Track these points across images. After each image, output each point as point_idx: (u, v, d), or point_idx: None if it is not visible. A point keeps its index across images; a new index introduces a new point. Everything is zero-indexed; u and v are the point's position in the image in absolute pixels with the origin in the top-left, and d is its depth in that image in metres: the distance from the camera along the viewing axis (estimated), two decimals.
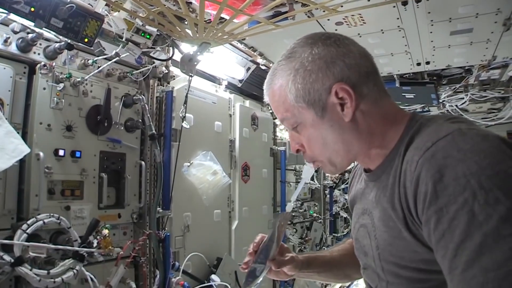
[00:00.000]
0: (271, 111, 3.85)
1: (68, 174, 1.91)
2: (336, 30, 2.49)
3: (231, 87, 3.31)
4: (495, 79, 3.77)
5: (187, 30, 2.05)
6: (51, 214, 1.69)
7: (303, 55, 0.95)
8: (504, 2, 2.18)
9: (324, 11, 1.93)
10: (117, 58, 1.98)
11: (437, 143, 0.78)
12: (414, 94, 3.53)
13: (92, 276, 1.83)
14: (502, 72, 3.54)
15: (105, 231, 1.85)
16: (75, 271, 1.69)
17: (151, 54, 2.22)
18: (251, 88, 3.53)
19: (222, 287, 2.49)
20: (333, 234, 5.19)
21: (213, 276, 2.50)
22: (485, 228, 0.65)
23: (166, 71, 2.44)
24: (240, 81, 3.37)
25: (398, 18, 2.34)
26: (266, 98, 1.07)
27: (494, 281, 0.62)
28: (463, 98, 4.04)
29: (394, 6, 2.17)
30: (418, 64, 3.12)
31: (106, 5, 1.84)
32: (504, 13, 2.30)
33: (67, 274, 1.66)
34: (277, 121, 4.00)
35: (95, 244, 1.81)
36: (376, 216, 0.98)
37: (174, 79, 2.51)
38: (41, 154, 1.74)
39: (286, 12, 1.96)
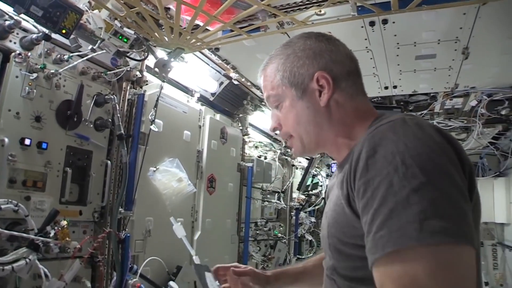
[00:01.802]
0: (240, 127, 3.97)
1: (32, 165, 1.92)
2: None
3: (203, 99, 3.40)
4: (459, 108, 4.04)
5: (164, 36, 2.15)
6: (10, 200, 1.68)
7: (297, 45, 1.10)
8: (461, 31, 2.40)
9: (294, 24, 2.07)
10: (93, 54, 2.04)
11: (380, 127, 0.89)
12: None
13: (45, 270, 1.81)
14: (465, 102, 3.80)
15: (64, 222, 1.85)
16: (27, 260, 1.66)
17: (127, 55, 2.29)
18: (223, 103, 3.63)
19: None
20: (298, 256, 5.24)
21: (171, 283, 2.50)
22: (398, 197, 0.75)
23: (140, 76, 2.50)
24: (213, 94, 3.47)
25: (366, 39, 2.52)
26: (259, 80, 1.21)
27: (396, 240, 0.73)
28: None
29: (362, 26, 2.35)
30: (386, 87, 3.32)
31: (88, 2, 1.93)
32: (462, 42, 2.52)
33: (19, 262, 1.63)
34: (246, 138, 4.11)
35: (52, 234, 1.81)
36: (331, 199, 1.08)
37: (146, 84, 2.58)
38: (6, 140, 1.75)
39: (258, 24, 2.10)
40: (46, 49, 1.95)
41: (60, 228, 1.84)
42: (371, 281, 0.79)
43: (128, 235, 2.30)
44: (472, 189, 0.84)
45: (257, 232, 4.27)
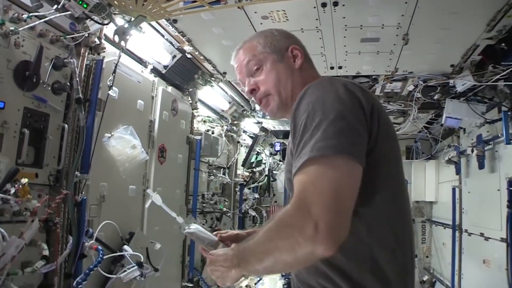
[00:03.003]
0: (190, 101, 4.12)
1: None
2: (261, 24, 2.86)
3: (155, 71, 3.51)
4: (397, 92, 4.45)
5: (128, 3, 2.25)
6: None
7: (269, 31, 1.56)
8: (403, 18, 2.71)
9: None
10: (55, 16, 2.10)
11: (309, 85, 1.27)
12: None
13: (2, 231, 1.86)
14: (403, 86, 4.20)
15: (25, 180, 1.94)
16: None
17: (92, 17, 2.34)
18: (174, 76, 3.75)
19: (134, 258, 2.64)
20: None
21: (125, 247, 2.65)
22: (307, 133, 1.13)
23: (98, 43, 2.58)
24: (165, 67, 3.58)
25: (317, 19, 2.77)
26: (233, 60, 1.59)
27: (300, 160, 1.12)
28: None
29: (315, 7, 2.58)
30: (332, 68, 3.62)
31: None
32: (403, 28, 2.85)
33: None
34: (195, 112, 4.27)
35: (12, 192, 1.90)
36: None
37: (104, 51, 2.66)
38: None
39: None
40: (3, 6, 1.98)
41: (20, 186, 1.93)
42: None
43: (85, 198, 2.41)
44: (379, 123, 1.23)
45: (204, 205, 4.48)
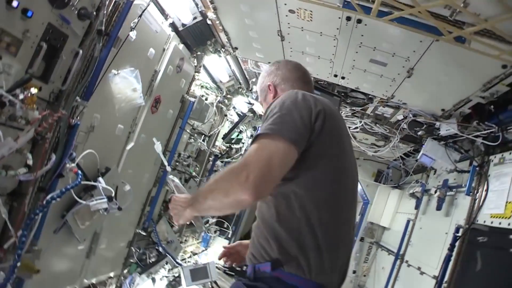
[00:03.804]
0: (195, 64, 4.27)
1: (12, 28, 2.04)
2: (286, 16, 3.04)
3: (173, 27, 3.64)
4: (387, 117, 4.71)
5: None
6: None
7: (263, 75, 2.31)
8: (413, 54, 2.94)
9: None
10: None
11: (283, 94, 1.88)
12: None
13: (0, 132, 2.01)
14: (394, 113, 4.46)
15: (35, 90, 2.09)
16: None
17: None
18: (188, 36, 3.88)
19: (106, 192, 2.81)
20: None
21: (100, 179, 2.82)
22: (269, 121, 1.64)
23: None
24: (183, 25, 3.71)
25: (337, 29, 2.97)
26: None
27: (256, 137, 1.62)
28: (356, 124, 4.92)
29: (340, 18, 2.78)
30: (335, 75, 3.83)
31: None
32: (411, 62, 3.08)
33: None
34: (197, 76, 4.42)
35: (20, 97, 2.05)
36: None
37: None
38: None
39: None
40: None
41: (29, 95, 2.08)
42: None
43: (78, 123, 2.56)
44: (323, 124, 1.68)
45: (177, 163, 4.67)
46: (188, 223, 2.09)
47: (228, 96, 5.76)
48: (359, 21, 2.80)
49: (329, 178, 1.69)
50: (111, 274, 3.82)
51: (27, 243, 2.31)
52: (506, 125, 3.36)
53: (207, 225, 6.30)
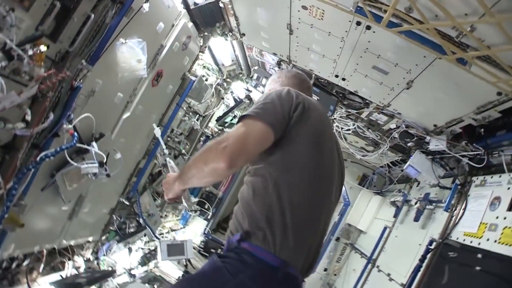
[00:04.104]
0: (201, 44, 4.31)
1: None
2: (298, 11, 3.12)
3: (184, 4, 3.67)
4: (380, 124, 4.80)
5: None
6: None
7: (271, 78, 2.62)
8: (415, 67, 3.02)
9: None
10: None
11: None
12: (318, 98, 4.33)
13: (3, 83, 2.03)
14: (387, 121, 4.55)
15: (44, 48, 2.13)
16: None
17: None
18: (198, 15, 3.91)
19: (97, 156, 2.86)
20: None
21: (94, 144, 2.87)
22: (253, 107, 1.91)
23: None
24: (195, 4, 3.75)
25: (346, 31, 3.04)
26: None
27: (240, 117, 1.88)
28: (349, 126, 5.01)
29: (350, 21, 2.85)
30: (336, 76, 3.91)
31: None
32: (412, 75, 3.16)
33: None
34: (200, 55, 4.47)
35: (30, 53, 2.08)
36: None
37: None
38: None
39: None
40: None
41: (38, 52, 2.12)
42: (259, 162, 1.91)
43: (81, 86, 2.60)
44: (302, 115, 1.92)
45: (169, 138, 4.73)
46: (179, 201, 2.20)
47: (228, 80, 5.81)
48: (368, 27, 2.87)
49: (304, 165, 1.88)
50: (90, 239, 3.88)
51: (16, 197, 2.37)
52: (492, 150, 3.47)
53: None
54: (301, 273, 1.86)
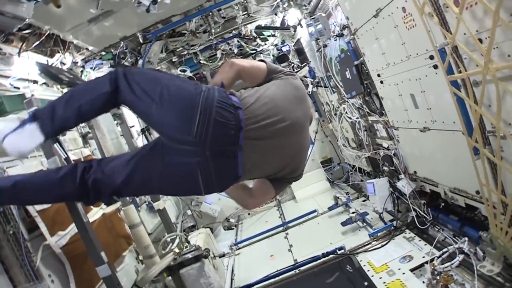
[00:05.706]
0: None
1: None
2: (397, 8, 3.22)
3: None
4: (376, 135, 5.03)
5: None
6: None
7: None
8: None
9: None
10: None
11: None
12: (350, 77, 4.50)
13: None
14: (384, 138, 4.77)
15: None
16: None
17: None
18: None
19: None
20: None
21: None
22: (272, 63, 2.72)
23: None
24: None
25: (417, 55, 3.24)
26: None
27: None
28: (353, 117, 5.20)
29: (428, 57, 3.04)
30: (378, 75, 4.10)
31: None
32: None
33: None
34: None
35: None
36: None
37: None
38: None
39: None
40: None
41: None
42: None
43: None
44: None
45: None
46: None
47: (291, 2, 5.82)
48: (435, 66, 3.00)
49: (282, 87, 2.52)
50: (90, 48, 4.10)
51: None
52: (437, 224, 3.93)
53: None
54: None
